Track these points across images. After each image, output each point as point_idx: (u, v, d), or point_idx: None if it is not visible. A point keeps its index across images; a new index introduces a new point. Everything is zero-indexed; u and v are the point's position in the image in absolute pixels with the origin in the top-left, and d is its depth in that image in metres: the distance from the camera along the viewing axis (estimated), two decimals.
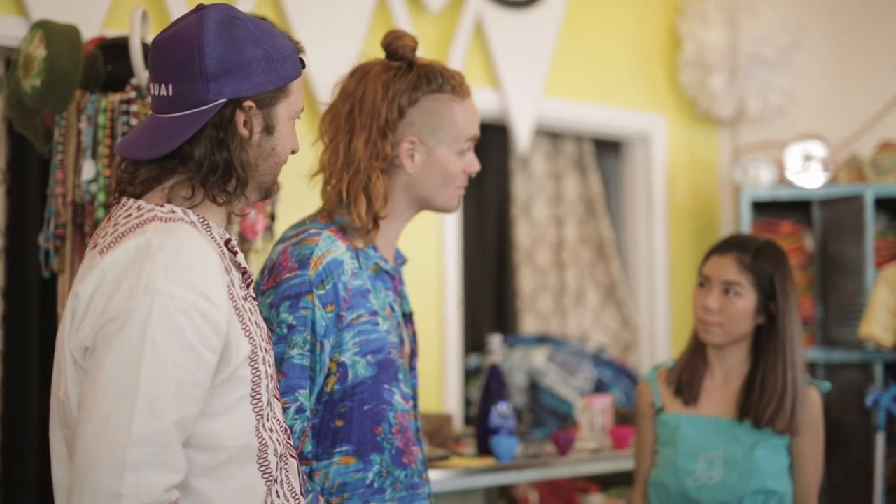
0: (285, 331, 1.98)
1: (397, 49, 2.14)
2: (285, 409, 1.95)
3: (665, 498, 2.63)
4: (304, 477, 1.96)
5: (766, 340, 2.63)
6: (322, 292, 1.99)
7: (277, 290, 2.00)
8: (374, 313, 2.06)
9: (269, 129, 1.73)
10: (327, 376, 2.01)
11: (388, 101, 2.10)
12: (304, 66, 1.80)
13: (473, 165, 2.19)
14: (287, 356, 1.97)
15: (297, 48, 1.78)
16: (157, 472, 1.52)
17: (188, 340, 1.56)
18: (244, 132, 1.70)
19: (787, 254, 2.69)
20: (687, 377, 2.68)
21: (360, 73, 2.15)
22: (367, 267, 2.08)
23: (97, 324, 1.57)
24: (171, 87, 1.68)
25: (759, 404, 2.58)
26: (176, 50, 1.68)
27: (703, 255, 2.71)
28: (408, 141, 2.11)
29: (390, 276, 2.14)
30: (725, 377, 2.68)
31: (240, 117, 1.69)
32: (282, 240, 2.09)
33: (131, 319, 1.54)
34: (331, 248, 2.03)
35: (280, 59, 1.72)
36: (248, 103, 1.69)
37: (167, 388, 1.54)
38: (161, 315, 1.54)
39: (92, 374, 1.55)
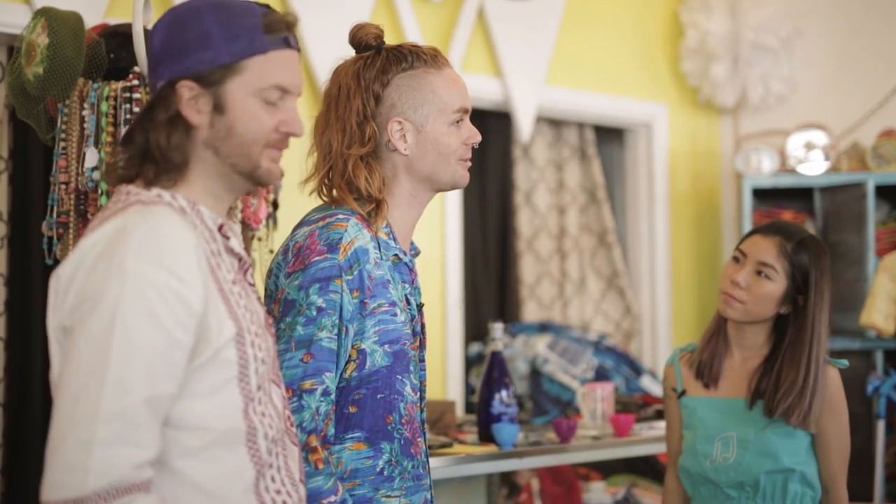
0: (314, 313, 1.97)
1: (361, 39, 2.13)
2: (312, 391, 1.95)
3: (689, 482, 2.66)
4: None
5: (790, 331, 2.63)
6: (350, 277, 2.00)
7: (306, 272, 1.99)
8: (393, 304, 2.07)
9: (218, 108, 1.70)
10: (347, 362, 2.02)
11: (362, 91, 2.09)
12: (290, 45, 1.76)
13: (473, 136, 2.16)
14: (316, 338, 1.97)
15: (270, 24, 1.74)
16: (127, 449, 1.53)
17: (159, 320, 1.57)
18: (183, 111, 1.68)
19: (828, 251, 2.68)
20: (707, 357, 2.68)
21: (335, 74, 2.15)
22: (388, 257, 2.09)
23: (74, 304, 1.59)
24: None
25: (774, 394, 2.58)
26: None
27: (746, 233, 2.71)
28: (394, 122, 2.10)
29: (408, 268, 2.15)
30: (743, 358, 2.68)
31: (179, 98, 1.68)
32: (306, 222, 2.09)
33: (103, 300, 1.55)
34: (358, 235, 2.03)
35: (226, 37, 1.69)
36: (186, 83, 1.68)
37: (137, 366, 1.55)
38: (132, 294, 1.55)
39: (67, 354, 1.58)
